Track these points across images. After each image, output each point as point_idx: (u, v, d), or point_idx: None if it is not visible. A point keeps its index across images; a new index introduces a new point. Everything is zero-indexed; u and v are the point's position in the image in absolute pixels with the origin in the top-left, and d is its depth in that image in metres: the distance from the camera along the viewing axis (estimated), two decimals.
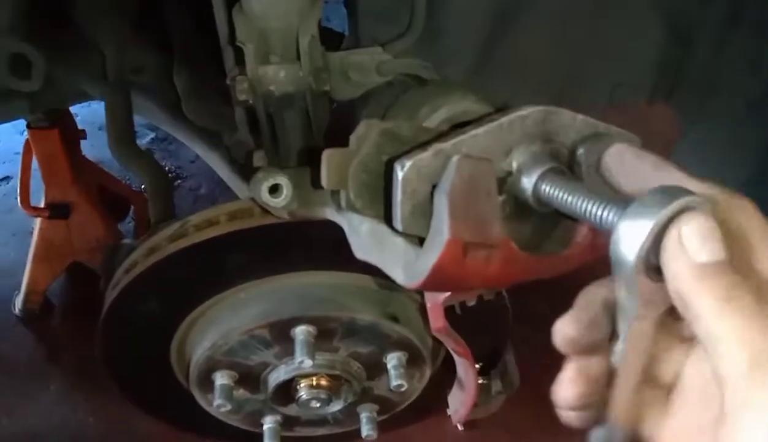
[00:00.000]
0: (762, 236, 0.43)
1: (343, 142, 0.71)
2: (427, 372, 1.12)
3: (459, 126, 0.80)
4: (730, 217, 0.43)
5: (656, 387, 0.49)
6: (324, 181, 0.72)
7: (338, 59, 1.00)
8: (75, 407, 1.81)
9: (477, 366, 1.07)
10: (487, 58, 1.25)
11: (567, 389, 0.49)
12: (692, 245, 0.41)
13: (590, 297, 0.49)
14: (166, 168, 2.53)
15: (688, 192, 0.44)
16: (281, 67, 0.92)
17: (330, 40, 1.02)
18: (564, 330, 0.49)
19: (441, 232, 0.61)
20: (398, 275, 0.69)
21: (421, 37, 1.06)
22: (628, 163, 0.54)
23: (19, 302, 2.01)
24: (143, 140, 2.61)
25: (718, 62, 1.27)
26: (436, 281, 0.65)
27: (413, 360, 1.08)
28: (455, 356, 1.04)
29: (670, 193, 0.44)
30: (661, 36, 1.32)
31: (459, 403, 1.12)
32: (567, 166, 0.63)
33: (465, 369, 1.06)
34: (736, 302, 0.39)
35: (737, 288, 0.39)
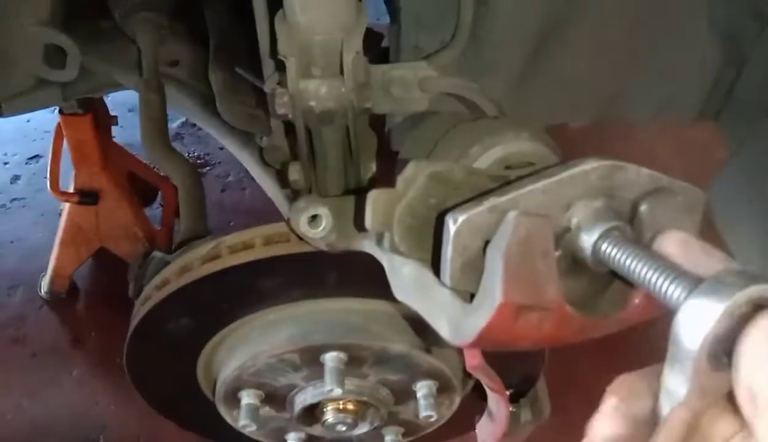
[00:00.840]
0: None
1: (389, 180, 0.68)
2: (457, 400, 1.10)
3: (512, 167, 0.76)
4: None
5: None
6: (368, 223, 0.69)
7: (381, 74, 0.96)
8: (96, 393, 1.82)
9: (508, 393, 1.05)
10: (532, 71, 1.20)
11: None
12: None
13: (634, 387, 0.46)
14: (195, 154, 2.51)
15: (759, 278, 0.40)
16: (323, 83, 0.88)
17: (367, 39, 0.98)
18: (608, 429, 0.45)
19: (493, 294, 0.58)
20: (443, 330, 0.66)
21: (465, 49, 1.02)
22: (692, 253, 0.51)
23: (45, 285, 2.01)
24: (172, 124, 2.59)
25: None
26: (484, 342, 0.61)
27: (443, 389, 1.06)
28: (488, 391, 1.01)
29: (747, 276, 0.41)
30: (716, 55, 1.26)
31: (488, 433, 1.10)
32: (629, 223, 0.59)
33: (497, 402, 1.03)
34: None
35: None
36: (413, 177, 0.67)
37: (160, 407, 1.19)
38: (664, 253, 0.53)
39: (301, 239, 0.88)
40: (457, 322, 0.64)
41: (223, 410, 1.06)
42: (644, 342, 1.75)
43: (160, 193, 2.21)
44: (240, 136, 1.42)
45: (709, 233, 0.48)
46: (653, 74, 1.26)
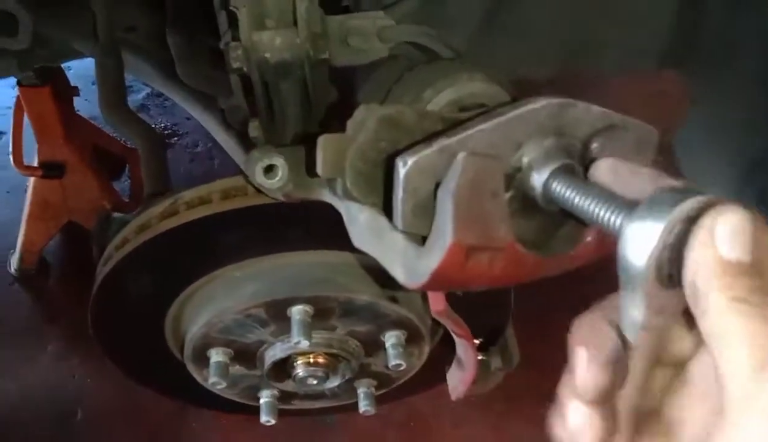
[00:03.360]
0: None
1: (344, 124, 0.67)
2: (426, 350, 1.10)
3: (465, 109, 0.76)
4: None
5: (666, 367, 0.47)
6: (319, 168, 0.68)
7: (337, 24, 0.95)
8: (73, 368, 1.81)
9: (476, 342, 1.06)
10: (492, 23, 1.20)
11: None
12: (722, 238, 0.39)
13: (597, 329, 0.46)
14: (162, 125, 2.47)
15: (699, 191, 0.41)
16: (277, 34, 0.86)
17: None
18: (590, 382, 0.44)
19: (444, 235, 0.58)
20: (398, 273, 0.66)
21: (424, 1, 1.01)
22: (622, 177, 0.51)
23: (14, 262, 1.99)
24: (138, 95, 2.55)
25: (730, 33, 1.22)
26: (437, 283, 0.61)
27: (412, 338, 1.06)
28: (455, 337, 1.02)
29: (682, 192, 0.42)
30: None
31: (458, 380, 1.11)
32: (580, 161, 0.59)
33: (465, 349, 1.04)
34: (749, 305, 0.37)
35: (756, 293, 0.38)
36: (363, 121, 0.66)
37: (131, 371, 1.18)
38: (599, 182, 0.53)
39: (259, 191, 0.87)
40: (411, 265, 0.64)
41: (193, 370, 1.06)
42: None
43: (127, 166, 2.18)
44: (202, 100, 1.40)
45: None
46: (615, 23, 1.26)
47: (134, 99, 2.53)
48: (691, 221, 0.41)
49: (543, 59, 1.24)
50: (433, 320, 1.05)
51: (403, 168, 0.59)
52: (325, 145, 0.67)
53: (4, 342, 1.87)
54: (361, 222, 0.71)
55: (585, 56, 1.30)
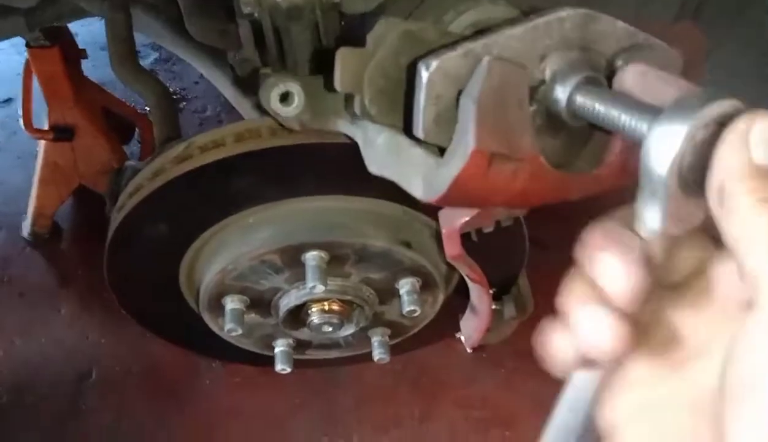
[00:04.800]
0: None
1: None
2: (440, 297, 1.11)
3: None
4: None
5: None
6: (337, 83, 0.67)
7: None
8: (86, 329, 1.82)
9: (491, 291, 1.05)
10: None
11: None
12: (756, 142, 0.38)
13: (617, 234, 0.43)
14: (171, 90, 2.46)
15: (727, 95, 0.40)
16: None
17: None
18: (628, 283, 0.41)
19: (465, 141, 0.57)
20: (416, 189, 0.65)
21: None
22: (650, 84, 0.50)
23: (27, 226, 1.99)
24: (146, 61, 2.54)
25: None
26: (457, 194, 0.60)
27: (426, 286, 1.06)
28: (469, 283, 1.02)
29: (710, 96, 0.40)
30: None
31: (472, 328, 1.11)
32: (605, 78, 0.58)
33: (479, 295, 1.04)
34: None
35: None
36: (384, 35, 0.65)
37: (146, 322, 1.19)
38: (626, 88, 0.52)
39: (273, 133, 0.86)
40: (430, 176, 0.62)
41: (208, 318, 1.07)
42: None
43: (137, 130, 2.17)
44: (211, 56, 1.39)
45: None
46: None
47: (143, 64, 2.51)
48: (719, 125, 0.40)
49: (557, 4, 1.22)
50: (448, 267, 1.05)
51: (426, 71, 0.58)
52: (343, 58, 0.66)
53: (18, 305, 1.88)
54: (379, 144, 0.70)
55: (598, 5, 1.28)
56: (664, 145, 0.40)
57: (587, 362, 0.43)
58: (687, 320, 0.45)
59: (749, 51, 1.32)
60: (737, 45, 1.32)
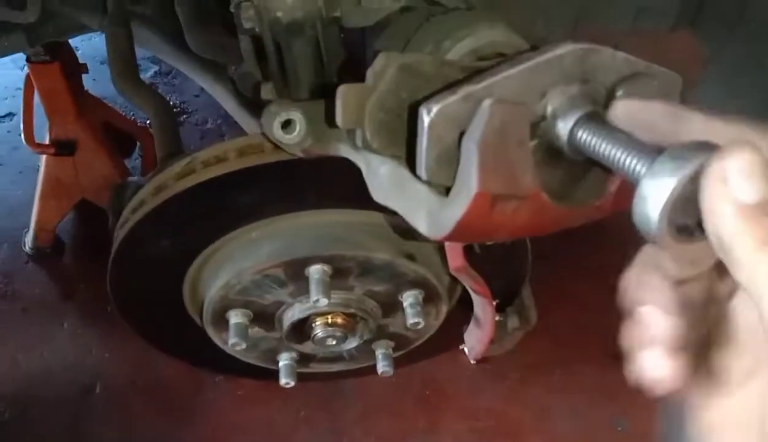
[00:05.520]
0: None
1: (359, 78, 0.66)
2: (444, 310, 1.10)
3: (484, 58, 0.75)
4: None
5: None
6: (339, 119, 0.67)
7: None
8: (90, 343, 1.82)
9: (494, 303, 1.06)
10: None
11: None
12: (736, 182, 0.37)
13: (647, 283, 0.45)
14: (171, 103, 2.47)
15: (713, 147, 0.39)
16: None
17: None
18: (667, 330, 0.44)
19: (469, 183, 0.57)
20: (421, 225, 0.66)
21: None
22: (639, 119, 0.50)
23: (29, 241, 2.00)
24: (146, 74, 2.54)
25: None
26: (461, 233, 0.61)
27: (429, 298, 1.06)
28: (473, 294, 1.02)
29: (696, 148, 0.40)
30: None
31: (475, 340, 1.11)
32: (605, 109, 0.58)
33: (482, 307, 1.04)
34: None
35: None
36: (383, 69, 0.65)
37: (151, 337, 1.19)
38: (622, 127, 0.52)
39: (276, 147, 0.86)
40: (435, 215, 0.63)
41: (212, 333, 1.07)
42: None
43: (138, 143, 2.18)
44: (212, 70, 1.40)
45: None
46: None
47: (143, 78, 2.53)
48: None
49: (555, 16, 1.23)
50: (451, 279, 1.05)
51: (427, 116, 0.58)
52: (344, 94, 0.66)
53: (21, 320, 1.88)
54: (382, 175, 0.71)
55: (598, 13, 1.29)
56: (653, 198, 0.40)
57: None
58: (719, 354, 0.45)
59: (748, 56, 1.32)
60: (735, 52, 1.33)
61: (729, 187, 0.37)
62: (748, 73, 1.30)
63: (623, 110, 0.53)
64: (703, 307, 0.45)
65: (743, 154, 0.37)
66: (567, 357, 1.72)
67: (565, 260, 1.76)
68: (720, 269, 0.43)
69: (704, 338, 0.46)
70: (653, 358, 0.44)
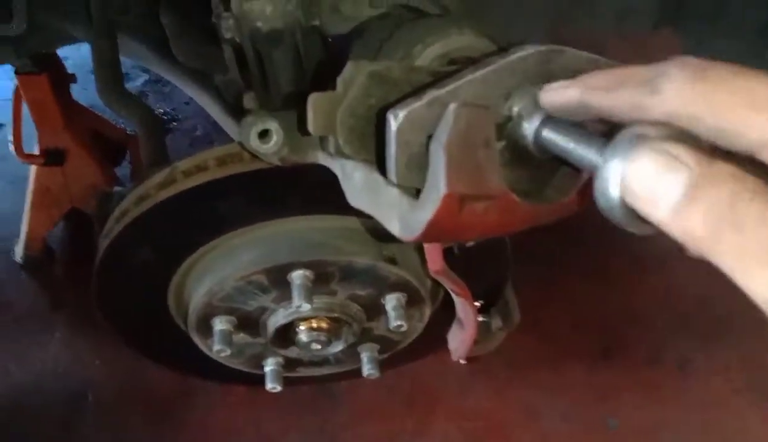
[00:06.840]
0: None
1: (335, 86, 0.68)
2: (427, 312, 1.12)
3: (454, 62, 0.76)
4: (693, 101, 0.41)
5: None
6: (310, 127, 0.69)
7: None
8: (81, 352, 1.83)
9: (477, 304, 1.07)
10: None
11: None
12: (651, 188, 0.39)
13: None
14: (160, 111, 2.48)
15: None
16: (267, 1, 0.87)
17: None
18: None
19: (437, 186, 0.59)
20: (394, 227, 0.67)
21: None
22: (563, 104, 0.53)
23: (19, 250, 2.00)
24: (136, 82, 2.56)
25: None
26: (432, 234, 0.62)
27: (412, 300, 1.07)
28: (454, 296, 1.03)
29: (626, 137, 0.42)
30: None
31: (459, 341, 1.12)
32: None
33: (464, 308, 1.05)
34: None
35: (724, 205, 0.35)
36: (352, 77, 0.67)
37: (138, 346, 1.20)
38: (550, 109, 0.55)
39: (254, 157, 0.88)
40: (406, 217, 0.65)
41: (197, 340, 1.08)
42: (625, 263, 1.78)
43: (127, 152, 2.19)
44: (198, 78, 1.41)
45: None
46: None
47: (132, 86, 2.54)
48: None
49: (536, 18, 1.24)
50: (433, 281, 1.06)
51: (394, 122, 0.60)
52: (315, 103, 0.68)
53: (12, 329, 1.89)
54: (356, 179, 0.72)
55: (580, 15, 1.30)
56: (607, 187, 0.43)
57: None
58: None
59: (728, 55, 1.34)
60: (715, 51, 1.35)
61: (654, 194, 0.38)
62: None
63: (545, 102, 0.55)
64: None
65: (646, 157, 0.39)
66: (557, 356, 1.73)
67: (553, 258, 1.78)
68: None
69: None
70: None
